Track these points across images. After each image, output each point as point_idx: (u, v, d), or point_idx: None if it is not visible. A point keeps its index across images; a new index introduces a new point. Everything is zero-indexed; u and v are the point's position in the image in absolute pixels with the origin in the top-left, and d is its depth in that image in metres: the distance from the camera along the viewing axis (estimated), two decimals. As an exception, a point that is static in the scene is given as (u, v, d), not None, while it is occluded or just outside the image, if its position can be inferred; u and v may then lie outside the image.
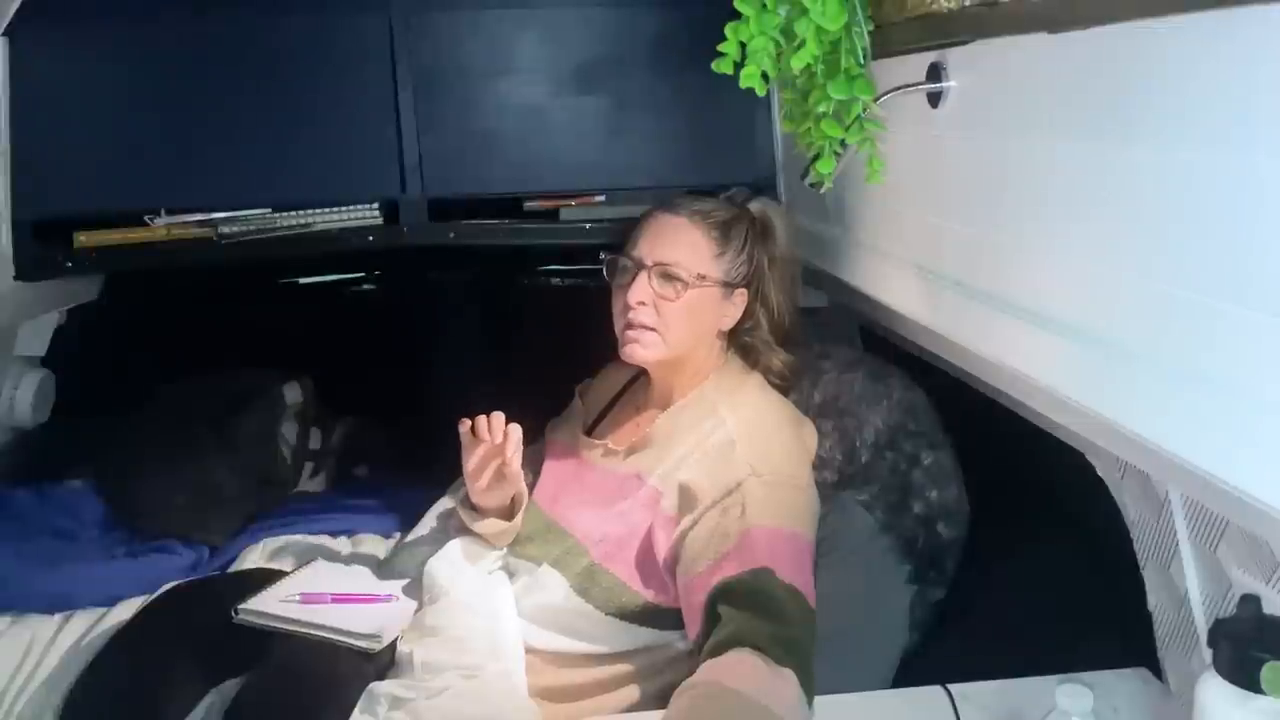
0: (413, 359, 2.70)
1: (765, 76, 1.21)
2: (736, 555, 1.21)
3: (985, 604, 1.40)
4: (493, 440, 1.39)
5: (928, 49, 1.21)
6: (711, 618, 1.18)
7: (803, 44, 1.17)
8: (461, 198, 2.03)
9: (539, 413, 1.68)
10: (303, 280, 2.86)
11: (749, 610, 1.15)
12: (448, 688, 1.28)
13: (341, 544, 1.81)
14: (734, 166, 1.98)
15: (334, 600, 1.46)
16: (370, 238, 1.97)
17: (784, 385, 1.49)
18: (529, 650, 1.39)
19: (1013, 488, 1.48)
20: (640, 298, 1.39)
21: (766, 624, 1.13)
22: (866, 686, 1.29)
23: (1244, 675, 0.86)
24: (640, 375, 1.57)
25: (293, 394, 2.26)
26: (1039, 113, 1.04)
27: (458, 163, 1.98)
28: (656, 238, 1.42)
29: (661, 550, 1.32)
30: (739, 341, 1.49)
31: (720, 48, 1.22)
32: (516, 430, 1.40)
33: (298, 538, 1.82)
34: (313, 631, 1.38)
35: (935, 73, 1.21)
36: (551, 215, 2.01)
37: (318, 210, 1.95)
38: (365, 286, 2.94)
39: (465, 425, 1.42)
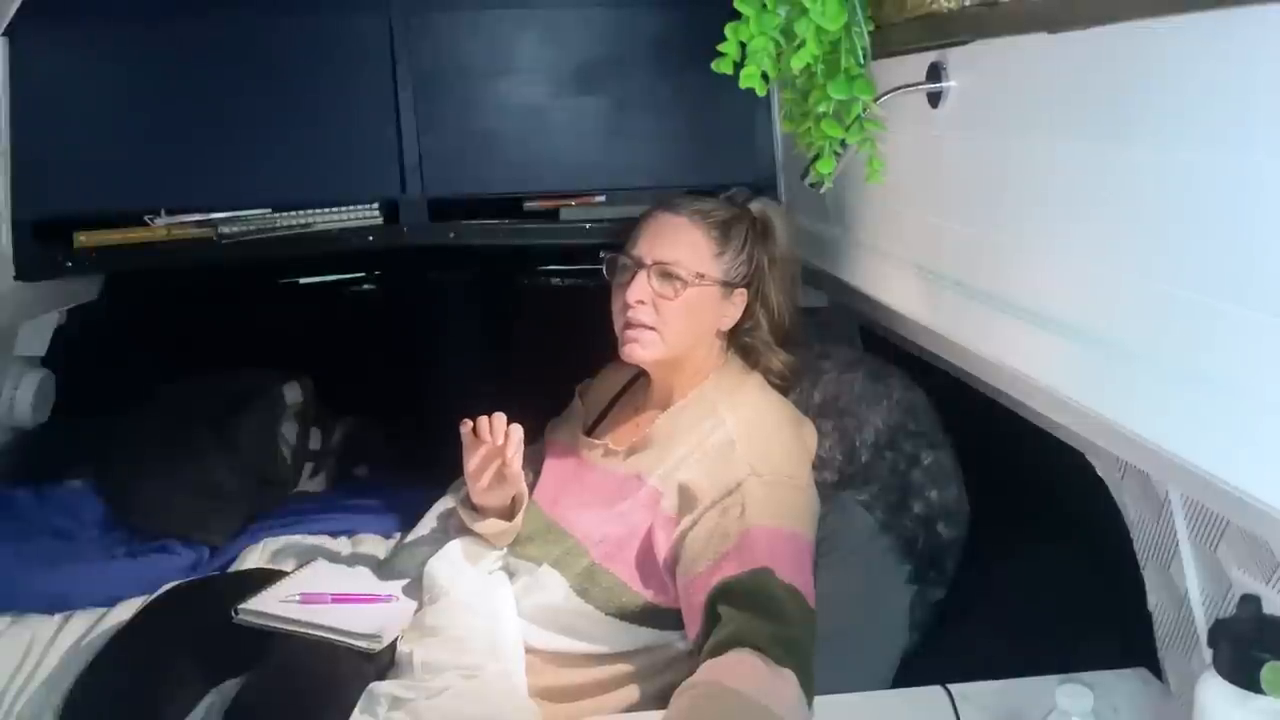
0: (413, 359, 2.70)
1: (765, 76, 1.21)
2: (736, 555, 1.21)
3: (985, 604, 1.40)
4: (494, 441, 1.39)
5: (928, 49, 1.21)
6: (711, 618, 1.18)
7: (803, 44, 1.17)
8: (461, 198, 2.03)
9: (539, 413, 1.68)
10: (303, 280, 2.85)
11: (749, 610, 1.15)
12: (448, 688, 1.28)
13: (341, 544, 1.81)
14: (734, 166, 1.98)
15: (334, 600, 1.46)
16: (370, 238, 1.97)
17: (784, 385, 1.49)
18: (529, 650, 1.39)
19: (1013, 488, 1.48)
20: (639, 296, 1.39)
21: (766, 624, 1.13)
22: (866, 686, 1.29)
23: (1244, 675, 0.86)
24: (640, 375, 1.57)
25: (293, 394, 2.26)
26: (1039, 113, 1.04)
27: (458, 163, 1.98)
28: (656, 237, 1.42)
29: (661, 550, 1.33)
30: (739, 341, 1.49)
31: (720, 48, 1.22)
32: (517, 431, 1.40)
33: (298, 538, 1.82)
34: (313, 631, 1.37)
35: (935, 73, 1.21)
36: (551, 215, 2.01)
37: (318, 210, 1.95)
38: (365, 286, 2.94)
39: (466, 426, 1.42)
